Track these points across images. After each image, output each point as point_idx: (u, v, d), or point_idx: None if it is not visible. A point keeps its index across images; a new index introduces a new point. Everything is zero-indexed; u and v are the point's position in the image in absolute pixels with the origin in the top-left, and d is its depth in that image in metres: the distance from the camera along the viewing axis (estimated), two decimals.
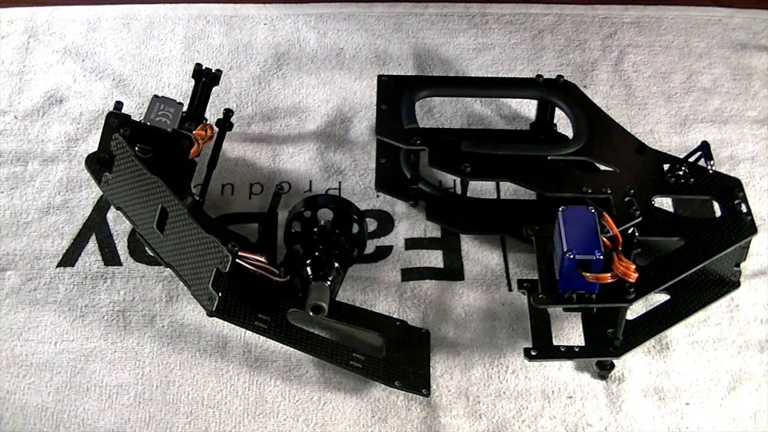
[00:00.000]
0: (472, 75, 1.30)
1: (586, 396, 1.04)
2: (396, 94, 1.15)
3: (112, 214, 1.16)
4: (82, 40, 1.33)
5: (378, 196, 1.19)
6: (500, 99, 1.27)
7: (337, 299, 1.06)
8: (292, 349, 1.04)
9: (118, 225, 1.16)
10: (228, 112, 1.14)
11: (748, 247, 1.07)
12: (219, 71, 1.14)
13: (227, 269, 0.97)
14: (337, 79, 1.30)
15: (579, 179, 1.07)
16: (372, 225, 1.16)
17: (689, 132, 1.25)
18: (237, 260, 1.00)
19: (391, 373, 1.03)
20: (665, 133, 1.25)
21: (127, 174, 1.05)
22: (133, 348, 1.07)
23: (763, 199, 1.19)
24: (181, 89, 1.28)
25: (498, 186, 1.20)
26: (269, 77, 1.30)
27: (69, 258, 1.13)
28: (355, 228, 1.08)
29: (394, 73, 1.28)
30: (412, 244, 1.15)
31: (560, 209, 0.99)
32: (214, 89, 1.15)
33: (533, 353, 1.03)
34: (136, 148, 1.07)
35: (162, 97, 1.11)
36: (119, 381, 1.04)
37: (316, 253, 1.05)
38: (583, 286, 0.98)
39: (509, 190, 1.19)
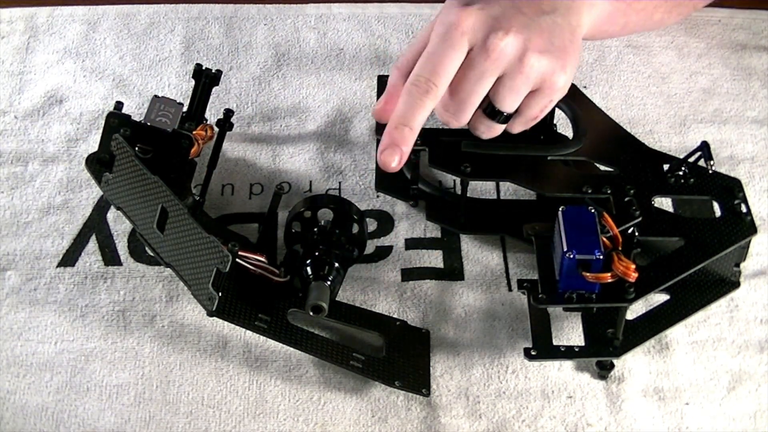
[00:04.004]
0: None
1: (586, 396, 1.04)
2: None
3: (112, 214, 1.16)
4: (82, 40, 1.33)
5: (378, 196, 1.19)
6: None
7: (337, 299, 1.06)
8: (292, 349, 1.04)
9: (118, 225, 1.16)
10: (228, 112, 1.14)
11: (748, 247, 1.07)
12: (219, 71, 1.14)
13: (227, 269, 0.97)
14: (337, 79, 1.30)
15: (579, 179, 1.07)
16: (372, 225, 1.16)
17: (689, 132, 1.25)
18: (237, 260, 1.00)
19: (391, 373, 1.03)
20: (665, 133, 1.25)
21: (128, 174, 1.05)
22: (133, 348, 1.07)
23: (763, 199, 1.19)
24: (181, 89, 1.28)
25: (498, 186, 1.20)
26: (269, 77, 1.30)
27: (69, 258, 1.13)
28: (355, 228, 1.08)
29: None
30: (412, 244, 1.15)
31: (560, 209, 0.99)
32: (214, 89, 1.14)
33: (533, 353, 1.03)
34: (137, 149, 1.07)
35: (162, 97, 1.11)
36: (119, 381, 1.04)
37: (316, 253, 1.05)
38: (583, 286, 0.98)
39: (509, 190, 1.19)
